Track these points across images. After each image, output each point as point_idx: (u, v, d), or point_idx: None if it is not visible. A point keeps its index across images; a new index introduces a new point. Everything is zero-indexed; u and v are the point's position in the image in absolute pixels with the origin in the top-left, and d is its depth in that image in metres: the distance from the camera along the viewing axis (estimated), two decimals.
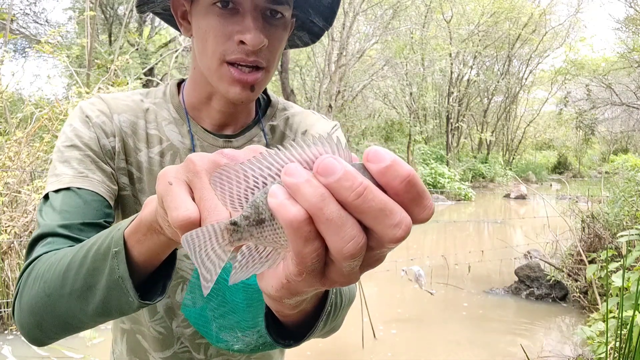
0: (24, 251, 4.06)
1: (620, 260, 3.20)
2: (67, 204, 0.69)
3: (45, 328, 0.59)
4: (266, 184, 0.33)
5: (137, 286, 0.51)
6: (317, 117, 0.91)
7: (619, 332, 2.20)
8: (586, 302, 4.79)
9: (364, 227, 0.31)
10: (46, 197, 0.71)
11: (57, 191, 0.71)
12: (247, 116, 0.86)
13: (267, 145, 0.85)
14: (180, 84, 0.88)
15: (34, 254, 0.64)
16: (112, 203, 0.75)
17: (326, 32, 0.94)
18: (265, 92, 0.91)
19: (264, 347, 0.84)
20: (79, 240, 0.65)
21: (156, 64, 12.54)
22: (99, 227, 0.70)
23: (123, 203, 0.81)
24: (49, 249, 0.64)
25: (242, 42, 0.70)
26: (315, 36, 0.92)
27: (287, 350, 1.07)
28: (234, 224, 0.34)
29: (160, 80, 12.41)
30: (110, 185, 0.76)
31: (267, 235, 0.33)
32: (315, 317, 0.51)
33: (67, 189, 0.71)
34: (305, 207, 0.30)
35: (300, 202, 0.31)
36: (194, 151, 0.81)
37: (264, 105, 0.91)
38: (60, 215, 0.67)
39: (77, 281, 0.53)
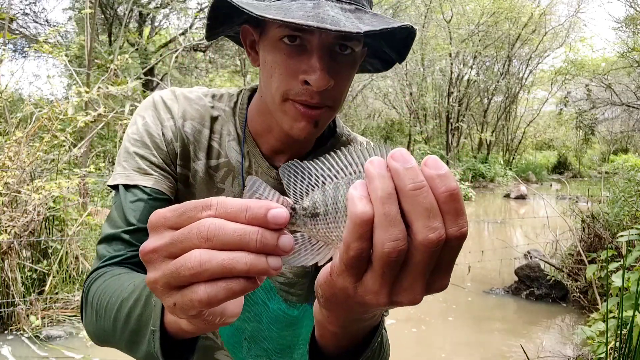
0: (24, 251, 4.01)
1: (620, 260, 3.20)
2: (135, 204, 0.74)
3: (109, 345, 0.65)
4: (325, 183, 0.37)
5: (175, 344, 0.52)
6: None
7: (619, 332, 2.19)
8: (586, 302, 4.79)
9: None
10: (116, 188, 0.77)
11: (126, 187, 0.76)
12: (306, 146, 0.85)
13: None
14: (251, 94, 0.87)
15: (99, 259, 0.72)
16: (173, 199, 0.79)
17: None
18: (333, 120, 0.89)
19: None
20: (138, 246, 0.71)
21: (156, 64, 12.52)
22: None
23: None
24: (112, 253, 0.72)
25: (306, 83, 0.68)
26: (388, 64, 0.88)
27: None
28: (293, 209, 0.38)
29: (161, 80, 12.40)
30: (170, 185, 0.79)
31: (319, 228, 0.37)
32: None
33: (135, 186, 0.75)
34: (373, 198, 0.35)
35: (370, 192, 0.35)
36: (250, 174, 0.82)
37: (328, 133, 0.89)
38: (127, 217, 0.73)
39: (124, 334, 0.57)
